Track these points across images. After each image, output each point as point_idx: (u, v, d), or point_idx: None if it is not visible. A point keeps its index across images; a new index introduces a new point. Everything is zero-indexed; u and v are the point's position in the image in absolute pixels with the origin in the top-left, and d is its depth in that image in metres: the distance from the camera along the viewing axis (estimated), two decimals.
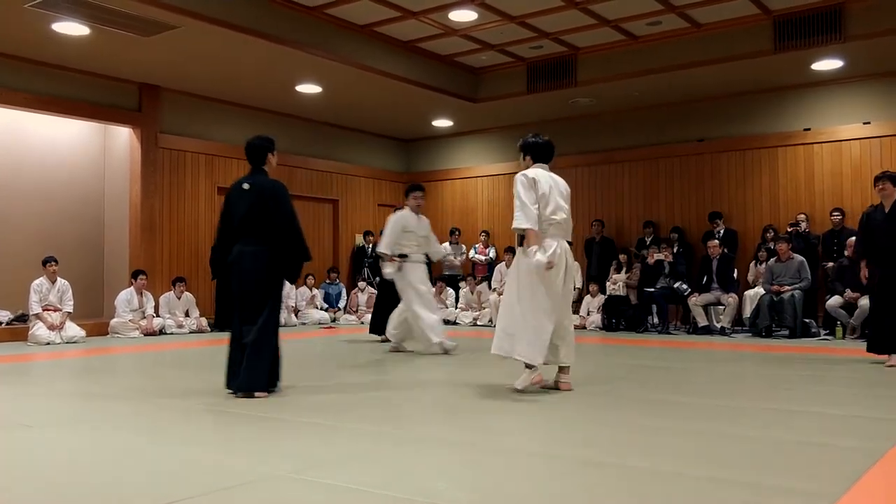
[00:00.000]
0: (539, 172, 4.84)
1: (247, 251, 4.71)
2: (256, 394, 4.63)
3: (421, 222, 7.63)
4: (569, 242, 4.97)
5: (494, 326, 5.08)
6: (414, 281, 7.38)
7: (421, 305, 7.32)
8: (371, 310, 12.21)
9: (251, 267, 4.69)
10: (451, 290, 12.24)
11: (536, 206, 4.69)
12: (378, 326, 9.00)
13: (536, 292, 4.67)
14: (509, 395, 4.76)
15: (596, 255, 11.54)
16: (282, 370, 4.87)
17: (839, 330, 8.87)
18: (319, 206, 13.04)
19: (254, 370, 4.62)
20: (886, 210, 6.35)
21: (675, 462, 3.04)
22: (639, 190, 11.82)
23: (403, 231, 7.43)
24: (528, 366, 4.74)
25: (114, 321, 9.68)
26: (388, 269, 7.43)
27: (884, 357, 6.32)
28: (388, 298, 9.30)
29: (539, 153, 5.00)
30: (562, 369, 4.94)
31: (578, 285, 11.29)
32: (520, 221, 4.67)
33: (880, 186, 6.38)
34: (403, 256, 7.42)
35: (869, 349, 6.43)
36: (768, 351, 7.68)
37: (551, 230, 4.77)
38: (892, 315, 6.19)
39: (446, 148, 14.07)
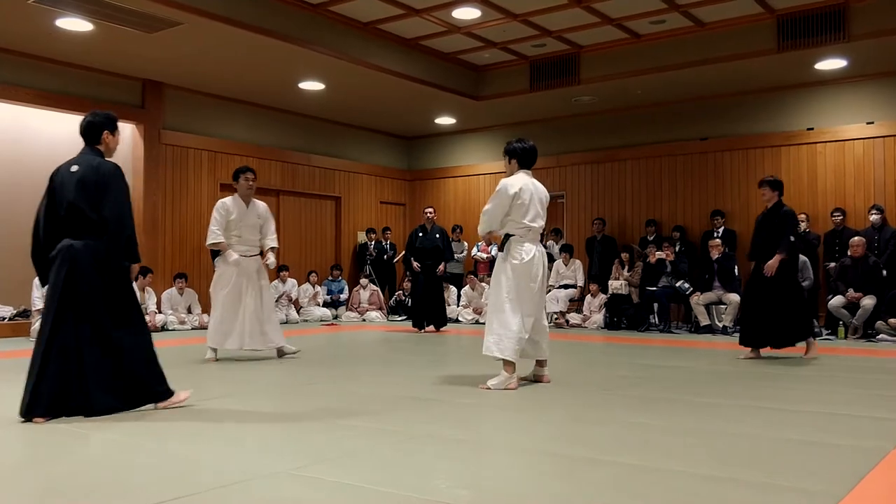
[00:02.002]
0: (524, 181, 5.10)
1: (77, 245, 3.95)
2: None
3: (252, 209, 6.65)
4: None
5: None
6: (222, 277, 6.55)
7: (217, 302, 6.55)
8: (372, 307, 12.27)
9: (86, 261, 3.93)
10: (453, 288, 12.24)
11: (503, 217, 5.05)
12: (419, 320, 9.81)
13: (520, 294, 4.98)
14: (509, 393, 4.77)
15: (597, 253, 11.53)
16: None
17: (841, 330, 8.86)
18: (322, 203, 13.05)
19: (105, 387, 3.88)
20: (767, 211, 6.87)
21: (675, 460, 3.04)
22: (641, 188, 11.80)
23: (228, 220, 6.52)
24: (507, 367, 4.94)
25: None
26: (235, 256, 6.48)
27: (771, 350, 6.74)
28: (425, 290, 9.77)
29: (524, 158, 5.21)
30: (540, 363, 5.24)
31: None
32: (483, 227, 5.14)
33: (762, 192, 6.90)
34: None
35: (741, 343, 6.81)
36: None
37: (530, 235, 5.08)
38: (763, 310, 6.59)
39: (449, 145, 14.06)
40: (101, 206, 3.96)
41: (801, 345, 6.74)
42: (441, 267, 9.84)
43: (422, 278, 9.82)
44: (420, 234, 9.98)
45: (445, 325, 9.96)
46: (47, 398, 3.82)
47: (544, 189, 5.26)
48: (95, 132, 4.24)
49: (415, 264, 9.85)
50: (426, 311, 9.81)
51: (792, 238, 6.65)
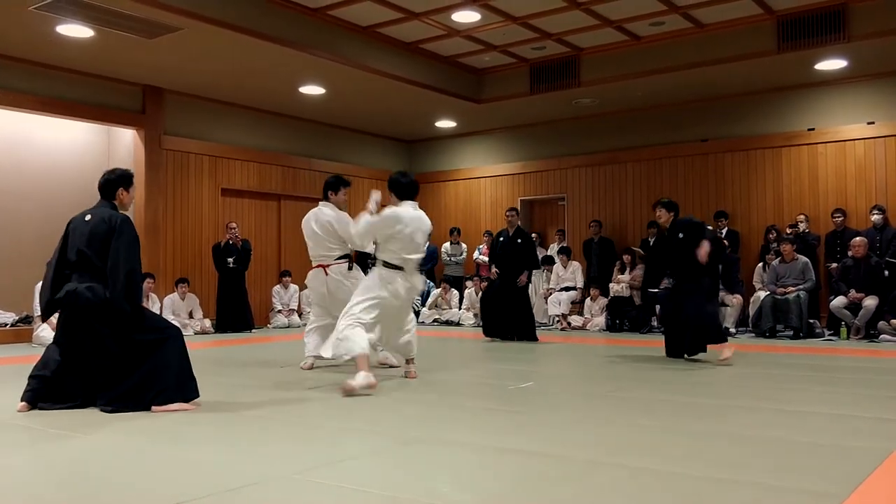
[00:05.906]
0: (411, 214, 5.33)
1: (80, 288, 4.24)
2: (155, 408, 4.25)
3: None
4: (422, 270, 5.58)
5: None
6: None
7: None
8: None
9: (85, 302, 4.23)
10: (455, 291, 12.24)
11: (373, 238, 5.37)
12: (489, 328, 9.13)
13: (382, 308, 5.19)
14: (510, 396, 4.76)
15: (595, 255, 11.54)
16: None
17: (843, 330, 8.85)
18: None
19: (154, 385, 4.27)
20: (666, 232, 6.92)
21: (679, 463, 3.04)
22: (642, 190, 11.80)
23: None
24: (362, 363, 4.98)
25: None
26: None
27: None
28: (501, 299, 9.00)
29: (403, 191, 5.46)
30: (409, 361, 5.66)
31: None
32: (356, 241, 5.54)
33: (657, 213, 6.94)
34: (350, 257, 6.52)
35: (668, 354, 6.83)
36: (773, 352, 7.66)
37: (409, 265, 5.26)
38: (679, 322, 6.64)
39: (449, 149, 14.07)
40: (107, 254, 4.28)
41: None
42: (522, 276, 8.92)
43: (497, 285, 9.08)
44: (501, 239, 9.22)
45: (535, 339, 8.94)
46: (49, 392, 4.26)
47: (427, 220, 5.47)
48: (111, 188, 4.56)
49: (493, 270, 9.32)
50: (502, 321, 8.97)
51: (709, 227, 6.69)
